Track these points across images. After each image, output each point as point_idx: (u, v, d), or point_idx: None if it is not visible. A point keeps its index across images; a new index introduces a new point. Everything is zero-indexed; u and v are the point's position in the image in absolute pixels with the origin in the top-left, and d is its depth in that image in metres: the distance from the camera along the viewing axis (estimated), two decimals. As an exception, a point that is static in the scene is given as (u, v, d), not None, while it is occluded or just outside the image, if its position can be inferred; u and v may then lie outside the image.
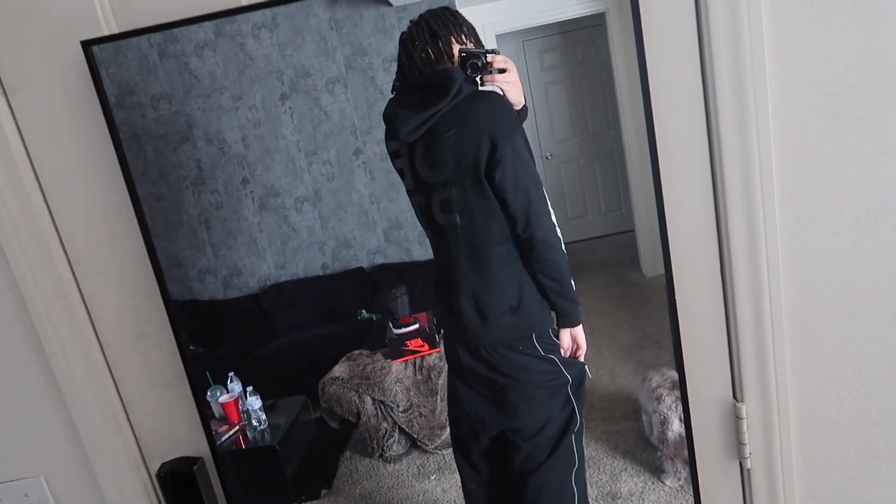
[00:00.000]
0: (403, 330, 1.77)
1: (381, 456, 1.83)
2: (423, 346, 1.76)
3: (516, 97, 1.29)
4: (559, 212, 1.37)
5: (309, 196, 1.71)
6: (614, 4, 1.50)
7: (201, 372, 1.57)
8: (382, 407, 1.81)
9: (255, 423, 1.75)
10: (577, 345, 1.43)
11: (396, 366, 1.80)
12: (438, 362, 1.76)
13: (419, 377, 1.79)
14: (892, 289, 1.19)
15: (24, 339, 1.35)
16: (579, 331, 1.42)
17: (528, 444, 1.44)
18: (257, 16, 1.53)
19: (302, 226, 1.73)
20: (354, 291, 1.82)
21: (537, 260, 1.34)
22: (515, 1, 1.47)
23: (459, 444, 1.54)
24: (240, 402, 1.72)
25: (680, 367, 1.25)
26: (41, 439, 1.42)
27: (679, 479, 1.61)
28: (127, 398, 1.38)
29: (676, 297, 1.22)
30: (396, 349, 1.78)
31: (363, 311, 1.83)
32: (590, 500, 1.55)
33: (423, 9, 1.31)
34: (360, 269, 1.77)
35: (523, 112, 1.33)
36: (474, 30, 1.32)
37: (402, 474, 1.80)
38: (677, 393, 1.57)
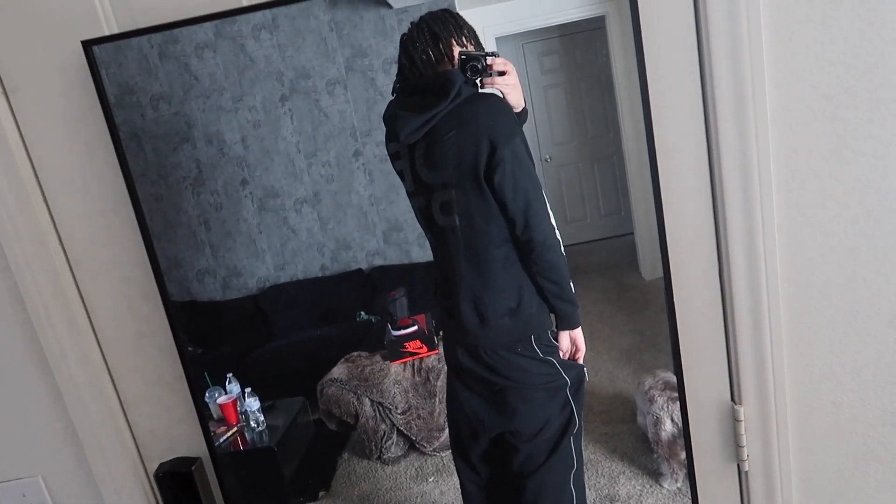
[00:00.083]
0: (402, 332, 1.76)
1: (379, 458, 1.83)
2: (421, 347, 1.76)
3: (516, 100, 1.30)
4: (558, 214, 1.37)
5: (308, 197, 1.71)
6: (614, 8, 1.50)
7: (200, 373, 1.57)
8: (381, 409, 1.81)
9: (253, 424, 1.74)
10: (576, 347, 1.43)
11: (395, 367, 1.79)
12: (437, 364, 1.76)
13: (418, 379, 1.79)
14: (890, 291, 1.19)
15: (22, 339, 1.35)
16: (578, 333, 1.42)
17: (526, 445, 1.44)
18: (257, 17, 1.53)
19: (301, 227, 1.73)
20: (353, 293, 1.81)
21: (536, 262, 1.34)
22: (515, 4, 1.47)
23: (458, 446, 1.54)
24: (238, 403, 1.72)
25: (678, 370, 1.25)
26: (39, 439, 1.42)
27: (677, 482, 1.61)
28: (125, 398, 1.38)
29: (675, 300, 1.22)
30: (395, 351, 1.78)
31: (362, 312, 1.82)
32: (588, 502, 1.55)
33: (424, 11, 1.32)
34: (360, 270, 1.77)
35: (523, 114, 1.34)
36: (474, 32, 1.32)
37: (401, 476, 1.80)
38: (669, 393, 1.57)
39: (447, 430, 1.60)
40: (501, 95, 1.28)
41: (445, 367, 1.55)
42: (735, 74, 1.09)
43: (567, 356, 1.42)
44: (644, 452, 1.69)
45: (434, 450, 1.80)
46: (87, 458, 1.40)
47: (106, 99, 1.18)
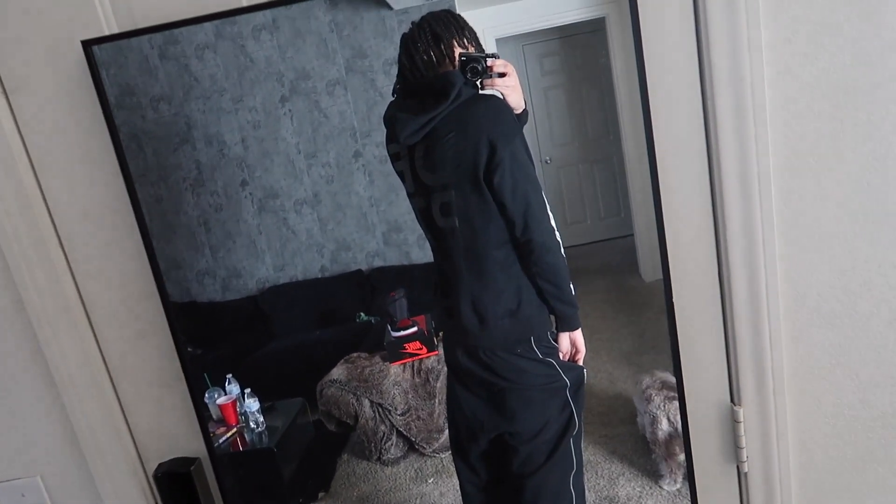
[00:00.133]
0: (402, 333, 1.76)
1: (378, 459, 1.83)
2: (421, 349, 1.76)
3: (516, 101, 1.30)
4: (558, 216, 1.36)
5: (308, 198, 1.71)
6: (614, 9, 1.50)
7: (199, 374, 1.57)
8: (380, 410, 1.81)
9: (252, 425, 1.74)
10: (576, 349, 1.43)
11: (395, 369, 1.79)
12: (437, 365, 1.76)
13: (417, 380, 1.79)
14: (890, 293, 1.19)
15: (22, 339, 1.35)
16: (578, 335, 1.42)
17: (525, 447, 1.44)
18: (258, 18, 1.53)
19: (301, 228, 1.73)
20: (353, 294, 1.81)
21: (535, 263, 1.34)
22: (516, 5, 1.47)
23: (458, 447, 1.54)
24: (238, 404, 1.72)
25: (678, 371, 1.25)
26: (38, 439, 1.42)
27: (675, 483, 1.61)
28: (124, 399, 1.38)
29: (674, 302, 1.22)
30: (395, 352, 1.78)
31: (362, 313, 1.82)
32: (587, 504, 1.55)
33: (424, 12, 1.32)
34: (359, 271, 1.77)
35: (524, 116, 1.34)
36: (475, 34, 1.32)
37: (400, 477, 1.80)
38: (666, 392, 1.57)
39: (447, 432, 1.59)
40: (502, 97, 1.28)
41: (445, 369, 1.55)
42: (734, 75, 1.09)
43: (567, 358, 1.42)
44: (644, 454, 1.68)
45: (433, 451, 1.80)
46: (85, 459, 1.40)
47: (106, 99, 1.18)
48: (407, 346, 1.77)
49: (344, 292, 1.81)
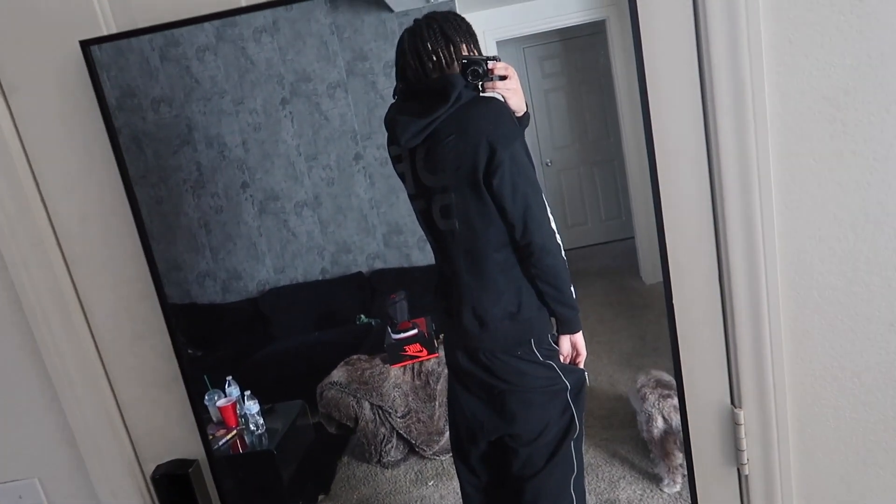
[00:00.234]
0: (402, 335, 1.76)
1: (378, 461, 1.82)
2: (421, 351, 1.76)
3: (517, 104, 1.29)
4: (559, 219, 1.36)
5: (309, 200, 1.71)
6: (614, 12, 1.50)
7: (199, 375, 1.57)
8: (380, 412, 1.80)
9: (252, 427, 1.74)
10: (577, 351, 1.42)
11: (395, 371, 1.79)
12: (437, 368, 1.76)
13: (417, 382, 1.78)
14: (891, 294, 1.19)
15: (19, 340, 1.35)
16: (579, 337, 1.42)
17: (526, 449, 1.43)
18: (258, 20, 1.53)
19: (301, 230, 1.73)
20: (353, 296, 1.81)
21: (535, 266, 1.34)
22: (516, 8, 1.47)
23: (458, 449, 1.53)
24: (237, 406, 1.72)
25: (678, 374, 1.25)
26: (36, 441, 1.42)
27: (675, 484, 1.60)
28: (122, 400, 1.38)
29: (675, 304, 1.22)
30: (395, 354, 1.78)
31: (362, 315, 1.82)
32: (588, 507, 1.55)
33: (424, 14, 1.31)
34: (360, 273, 1.76)
35: (525, 119, 1.33)
36: (476, 37, 1.32)
37: (400, 480, 1.80)
38: (661, 391, 1.57)
39: (447, 434, 1.59)
40: (503, 100, 1.28)
41: (445, 371, 1.54)
42: (734, 78, 1.09)
43: (568, 360, 1.42)
44: (644, 457, 1.68)
45: (434, 453, 1.80)
46: (83, 460, 1.39)
47: (104, 99, 1.18)
48: (407, 349, 1.77)
49: (344, 294, 1.81)
